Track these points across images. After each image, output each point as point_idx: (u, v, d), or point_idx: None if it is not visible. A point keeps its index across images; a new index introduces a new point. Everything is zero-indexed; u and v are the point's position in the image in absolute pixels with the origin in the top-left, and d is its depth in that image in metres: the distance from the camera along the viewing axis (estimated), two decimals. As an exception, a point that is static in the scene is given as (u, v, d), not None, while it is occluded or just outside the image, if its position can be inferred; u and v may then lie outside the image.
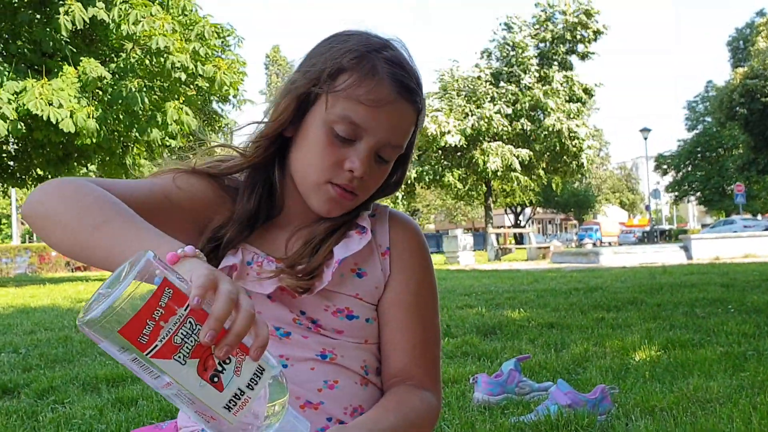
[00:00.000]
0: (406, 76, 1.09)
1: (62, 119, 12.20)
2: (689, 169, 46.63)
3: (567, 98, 27.23)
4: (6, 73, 12.39)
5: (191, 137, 15.87)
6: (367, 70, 1.07)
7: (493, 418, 2.83)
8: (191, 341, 0.73)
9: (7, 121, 12.13)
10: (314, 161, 1.10)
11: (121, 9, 13.10)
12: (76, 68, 12.97)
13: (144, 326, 0.71)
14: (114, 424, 2.90)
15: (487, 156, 25.73)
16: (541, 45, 28.49)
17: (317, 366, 1.11)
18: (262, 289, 1.10)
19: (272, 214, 1.19)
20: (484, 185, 28.66)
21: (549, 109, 26.16)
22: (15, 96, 12.17)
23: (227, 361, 0.75)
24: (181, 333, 0.73)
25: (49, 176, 16.59)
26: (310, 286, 1.10)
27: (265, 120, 1.15)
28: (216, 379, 0.75)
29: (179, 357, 0.73)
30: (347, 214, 1.17)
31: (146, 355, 0.72)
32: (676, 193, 48.28)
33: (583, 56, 28.37)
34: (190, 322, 0.73)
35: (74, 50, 13.27)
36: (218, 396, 0.75)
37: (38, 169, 16.21)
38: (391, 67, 1.08)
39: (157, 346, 0.72)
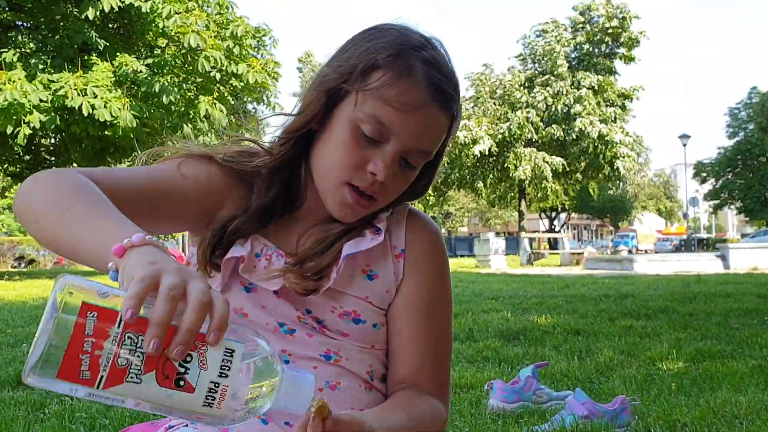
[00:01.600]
0: (444, 81, 1.02)
1: (97, 109, 12.29)
2: (729, 177, 45.70)
3: (603, 102, 26.85)
4: (42, 66, 12.54)
5: (224, 133, 15.97)
6: (402, 69, 1.00)
7: (506, 427, 2.71)
8: (138, 356, 0.65)
9: (43, 113, 12.27)
10: (336, 160, 1.04)
11: (155, 2, 13.18)
12: (111, 63, 13.10)
13: (79, 363, 0.64)
14: (117, 420, 2.85)
15: (520, 161, 25.51)
16: (577, 49, 28.14)
17: (320, 366, 1.04)
18: (269, 285, 1.04)
19: (290, 209, 1.13)
20: (516, 190, 28.44)
21: (578, 113, 25.85)
22: (49, 87, 12.29)
23: (188, 359, 0.67)
24: (123, 352, 0.65)
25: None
26: (316, 287, 1.03)
27: (294, 113, 1.09)
28: (182, 383, 0.67)
29: (132, 377, 0.66)
30: (364, 218, 1.10)
31: (97, 389, 0.65)
32: (716, 202, 47.34)
33: (624, 59, 27.92)
34: (129, 337, 0.65)
35: (107, 44, 13.39)
36: (191, 398, 0.68)
37: (75, 164, 16.43)
38: (429, 69, 1.01)
39: (102, 377, 0.65)
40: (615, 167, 26.83)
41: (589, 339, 4.82)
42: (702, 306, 6.57)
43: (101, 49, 13.42)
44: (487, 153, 25.53)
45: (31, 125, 12.14)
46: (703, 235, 57.41)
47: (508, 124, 25.63)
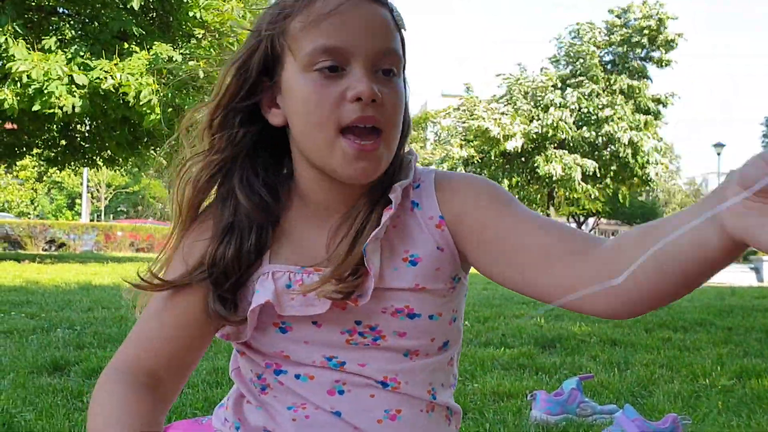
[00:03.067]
0: None
1: (124, 87, 12.26)
2: (763, 187, 45.08)
3: (634, 108, 26.56)
4: (81, 52, 12.62)
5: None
6: None
7: (552, 440, 2.65)
8: None
9: (78, 97, 12.32)
10: (314, 115, 0.92)
11: None
12: (148, 51, 13.15)
13: None
14: (156, 413, 2.82)
15: (550, 162, 25.32)
16: (612, 51, 27.85)
17: (377, 393, 0.97)
18: (316, 309, 0.95)
19: (277, 218, 1.02)
20: (545, 192, 28.22)
21: (607, 118, 25.60)
22: (86, 72, 12.34)
23: None
24: None
25: (120, 159, 16.96)
26: (357, 286, 0.93)
27: (210, 112, 1.00)
28: None
29: None
30: (384, 183, 0.98)
31: None
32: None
33: (660, 63, 27.57)
34: None
35: (144, 33, 13.43)
36: None
37: (109, 151, 16.54)
38: None
39: None
40: (646, 172, 26.53)
41: (627, 350, 4.73)
42: (740, 320, 6.43)
43: (138, 37, 13.48)
44: (518, 151, 25.38)
45: (64, 109, 12.18)
46: (734, 245, 56.57)
47: (540, 122, 25.43)
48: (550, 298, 0.92)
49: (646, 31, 26.92)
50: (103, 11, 13.69)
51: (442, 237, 1.00)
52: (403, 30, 0.97)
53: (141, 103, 12.40)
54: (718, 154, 35.81)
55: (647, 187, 29.60)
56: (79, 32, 13.87)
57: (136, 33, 13.23)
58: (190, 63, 13.19)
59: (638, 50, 27.59)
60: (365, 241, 0.94)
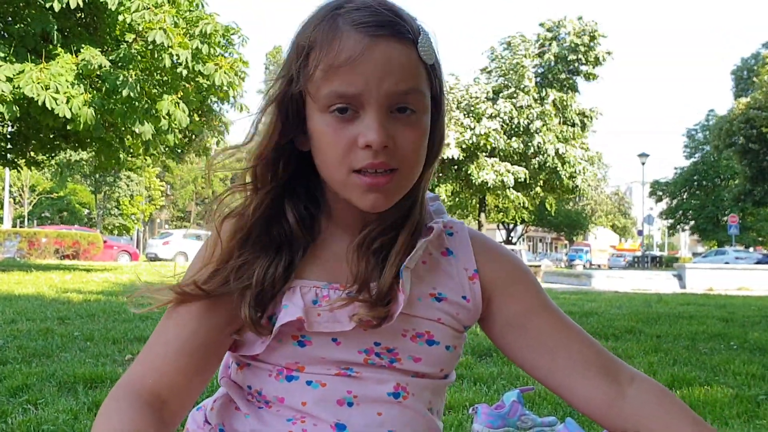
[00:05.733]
0: (374, 12, 0.92)
1: (58, 105, 11.97)
2: (684, 197, 46.75)
3: (561, 120, 27.19)
4: (3, 54, 12.16)
5: (186, 134, 15.82)
6: (328, 32, 0.92)
7: (494, 454, 2.65)
8: None
9: (4, 104, 11.89)
10: (329, 156, 0.95)
11: None
12: (76, 56, 12.76)
13: None
14: (87, 433, 2.72)
15: (482, 169, 25.68)
16: (543, 65, 28.44)
17: (385, 410, 0.99)
18: (343, 326, 0.98)
19: (314, 237, 1.05)
20: (477, 200, 28.59)
21: (537, 129, 26.17)
22: (11, 79, 11.92)
23: None
24: None
25: (43, 160, 16.40)
26: (387, 312, 0.97)
27: (248, 143, 1.01)
28: None
29: None
30: (402, 207, 1.01)
31: None
32: (671, 221, 48.39)
33: (588, 77, 28.31)
34: None
35: (70, 35, 13.05)
36: None
37: (32, 153, 15.98)
38: (353, 14, 0.92)
39: None
40: (575, 183, 27.17)
41: (562, 359, 4.79)
42: (668, 328, 6.62)
43: (63, 40, 13.07)
44: (452, 159, 25.66)
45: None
46: (657, 252, 58.54)
47: (472, 132, 25.76)
48: (577, 404, 1.04)
49: (578, 48, 27.58)
50: (25, 11, 13.21)
51: (472, 290, 1.06)
52: (427, 55, 0.95)
53: (75, 117, 12.07)
54: (643, 163, 37.01)
55: (575, 196, 30.31)
56: (1, 33, 13.37)
57: (56, 36, 12.82)
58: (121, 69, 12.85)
59: (568, 64, 28.23)
60: (395, 264, 0.99)
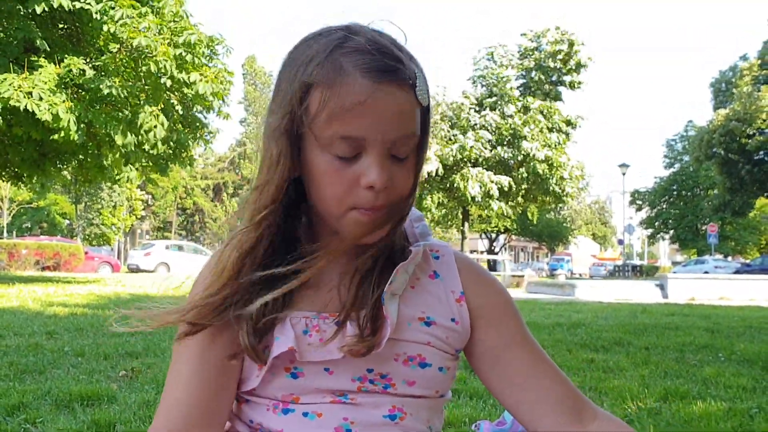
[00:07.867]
0: (377, 58, 0.92)
1: (40, 110, 11.84)
2: (664, 206, 47.19)
3: (547, 128, 27.38)
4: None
5: (170, 145, 15.71)
6: (332, 73, 0.92)
7: (498, 472, 2.66)
8: None
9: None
10: (329, 193, 0.96)
11: (106, 5, 12.81)
12: (59, 65, 12.68)
13: None
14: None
15: (467, 181, 25.75)
16: (525, 75, 28.68)
17: None
18: (333, 355, 0.98)
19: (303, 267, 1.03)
20: (461, 210, 28.67)
21: (524, 136, 26.33)
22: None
23: None
24: None
25: (25, 175, 16.25)
26: (376, 342, 0.97)
27: (258, 184, 1.00)
28: None
29: None
30: (390, 234, 1.02)
31: None
32: (651, 230, 48.81)
33: (571, 86, 28.57)
34: None
35: (54, 45, 12.96)
36: None
37: (14, 167, 15.81)
38: (358, 57, 0.92)
39: None
40: (563, 189, 27.30)
41: (554, 372, 4.83)
42: (655, 339, 6.69)
43: (47, 49, 12.97)
44: (434, 174, 25.73)
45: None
46: (637, 261, 58.96)
47: (457, 145, 25.86)
48: None
49: (559, 56, 27.84)
50: (7, 20, 13.11)
51: (460, 312, 1.07)
52: (422, 94, 0.96)
53: (58, 125, 11.97)
54: (623, 173, 37.33)
55: (560, 204, 30.46)
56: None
57: (40, 46, 12.74)
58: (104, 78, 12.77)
59: (551, 74, 28.47)
60: (381, 290, 0.99)
